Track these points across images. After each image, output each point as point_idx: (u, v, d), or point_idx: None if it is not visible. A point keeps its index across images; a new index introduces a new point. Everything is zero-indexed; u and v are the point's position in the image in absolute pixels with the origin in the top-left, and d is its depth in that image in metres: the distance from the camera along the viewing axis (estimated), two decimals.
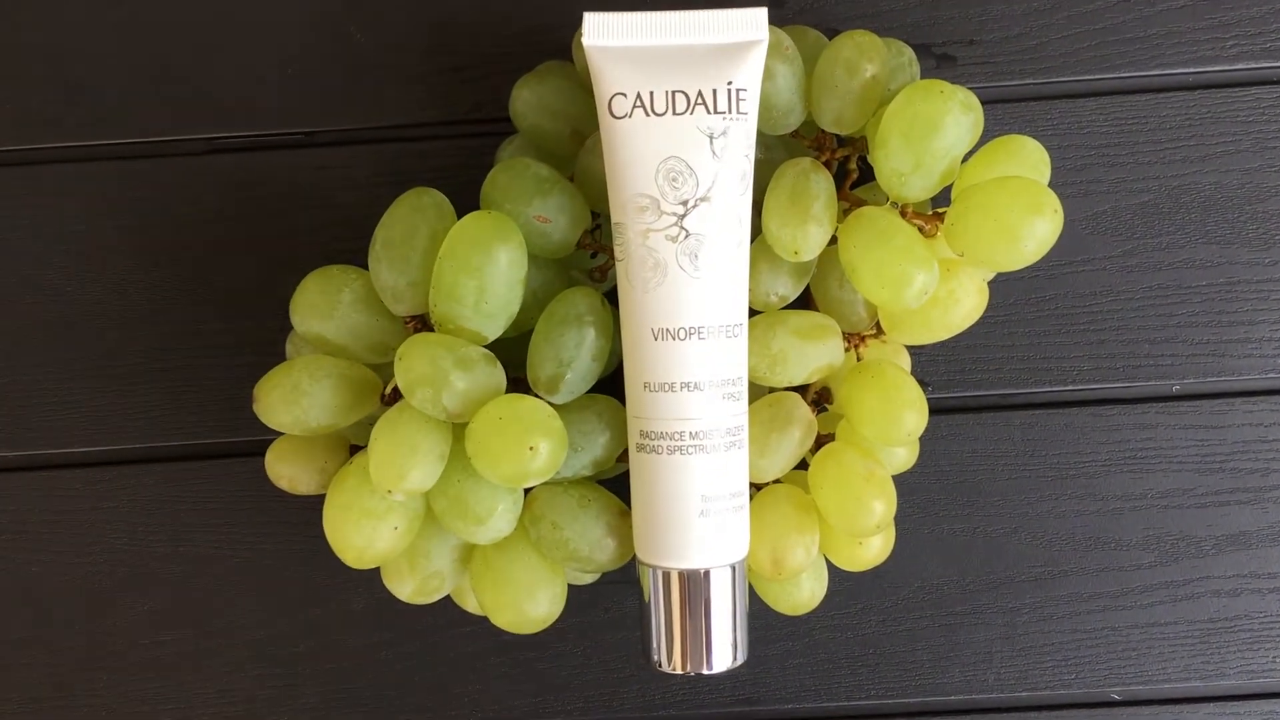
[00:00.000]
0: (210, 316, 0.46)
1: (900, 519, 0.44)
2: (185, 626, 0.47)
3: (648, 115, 0.38)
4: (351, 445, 0.43)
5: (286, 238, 0.46)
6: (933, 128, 0.38)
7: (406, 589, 0.41)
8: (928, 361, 0.46)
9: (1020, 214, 0.37)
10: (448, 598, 0.43)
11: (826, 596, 0.43)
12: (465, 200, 0.40)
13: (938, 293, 0.40)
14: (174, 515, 0.47)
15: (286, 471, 0.42)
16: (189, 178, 0.46)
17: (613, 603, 0.47)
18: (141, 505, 0.47)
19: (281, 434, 0.42)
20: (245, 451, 0.46)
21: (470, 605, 0.43)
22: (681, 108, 0.37)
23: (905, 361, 0.43)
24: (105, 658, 0.47)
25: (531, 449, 0.37)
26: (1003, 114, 0.45)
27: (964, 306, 0.40)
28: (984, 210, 0.38)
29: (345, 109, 0.46)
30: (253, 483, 0.45)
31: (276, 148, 0.46)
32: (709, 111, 0.37)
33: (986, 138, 0.41)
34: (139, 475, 0.47)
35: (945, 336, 0.41)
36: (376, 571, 0.43)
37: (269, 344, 0.44)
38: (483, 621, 0.42)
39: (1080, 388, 0.46)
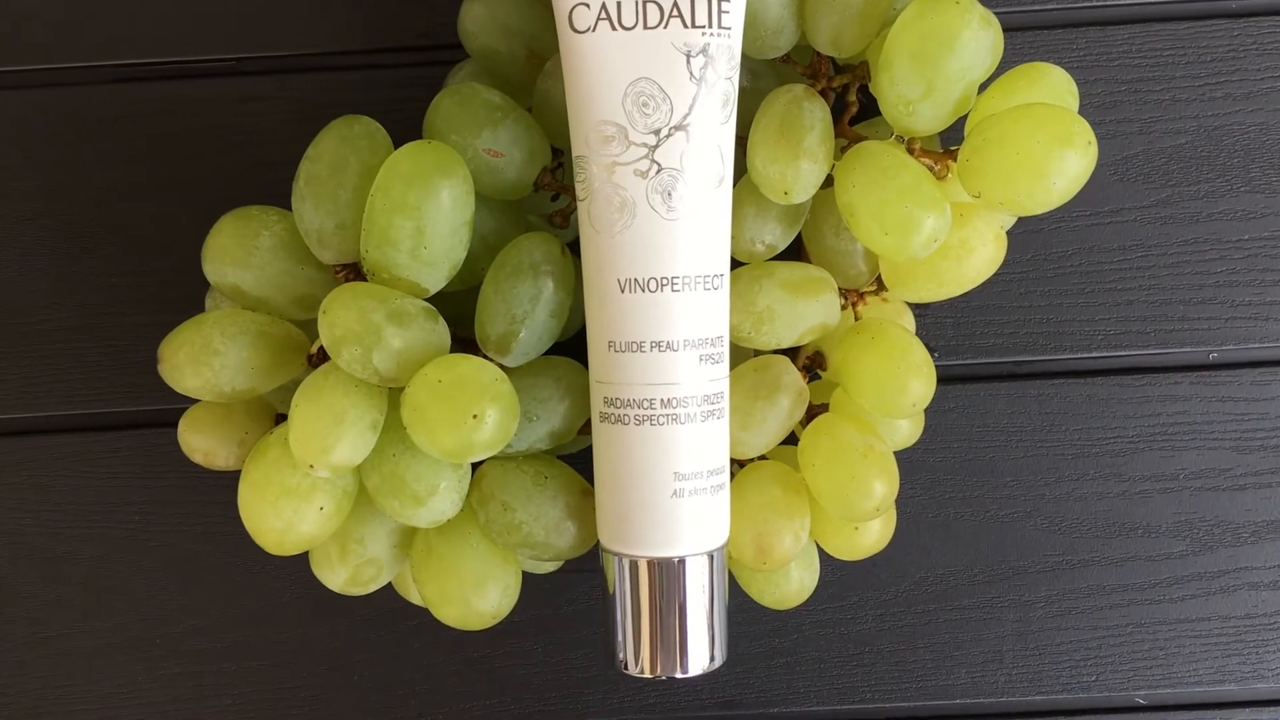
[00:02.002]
0: (122, 269, 0.42)
1: (901, 501, 0.40)
2: (96, 618, 0.43)
3: (614, 29, 0.33)
4: (278, 414, 0.38)
5: (209, 179, 0.41)
6: (947, 45, 0.33)
7: (338, 579, 0.37)
8: (933, 323, 0.42)
9: (1047, 146, 0.33)
10: (390, 586, 0.39)
11: (817, 588, 0.39)
12: (412, 137, 0.36)
13: (949, 241, 0.35)
14: (83, 493, 0.42)
15: (201, 443, 0.37)
16: (96, 110, 0.41)
17: (577, 594, 0.43)
18: (47, 482, 0.42)
19: (198, 400, 0.37)
20: (164, 421, 0.42)
21: (415, 596, 0.39)
22: (654, 20, 0.33)
23: (909, 322, 0.40)
24: (6, 653, 0.43)
25: (475, 417, 0.32)
26: (1021, 43, 0.41)
27: (979, 257, 0.36)
28: (1004, 142, 0.33)
29: (277, 32, 0.41)
30: (173, 456, 0.40)
31: (198, 76, 0.41)
32: (686, 25, 0.33)
33: (1003, 71, 0.37)
34: (44, 448, 0.42)
35: (957, 293, 0.37)
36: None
37: (189, 299, 0.39)
38: (431, 613, 0.38)
39: (1105, 355, 0.42)
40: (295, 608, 0.42)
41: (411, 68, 0.41)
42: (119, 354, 0.42)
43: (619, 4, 0.33)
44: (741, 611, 0.41)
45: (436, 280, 0.35)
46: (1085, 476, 0.42)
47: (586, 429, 0.36)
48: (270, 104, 0.41)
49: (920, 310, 0.41)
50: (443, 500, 0.35)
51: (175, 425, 0.38)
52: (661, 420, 0.34)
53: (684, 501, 0.34)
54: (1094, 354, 0.42)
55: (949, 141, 0.38)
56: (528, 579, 0.38)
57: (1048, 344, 0.42)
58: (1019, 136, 0.33)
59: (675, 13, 0.33)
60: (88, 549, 0.42)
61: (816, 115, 0.35)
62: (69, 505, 0.42)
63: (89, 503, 0.42)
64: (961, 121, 0.36)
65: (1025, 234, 0.41)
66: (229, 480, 0.37)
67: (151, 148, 0.41)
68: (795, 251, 0.38)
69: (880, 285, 0.38)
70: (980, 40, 0.33)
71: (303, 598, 0.42)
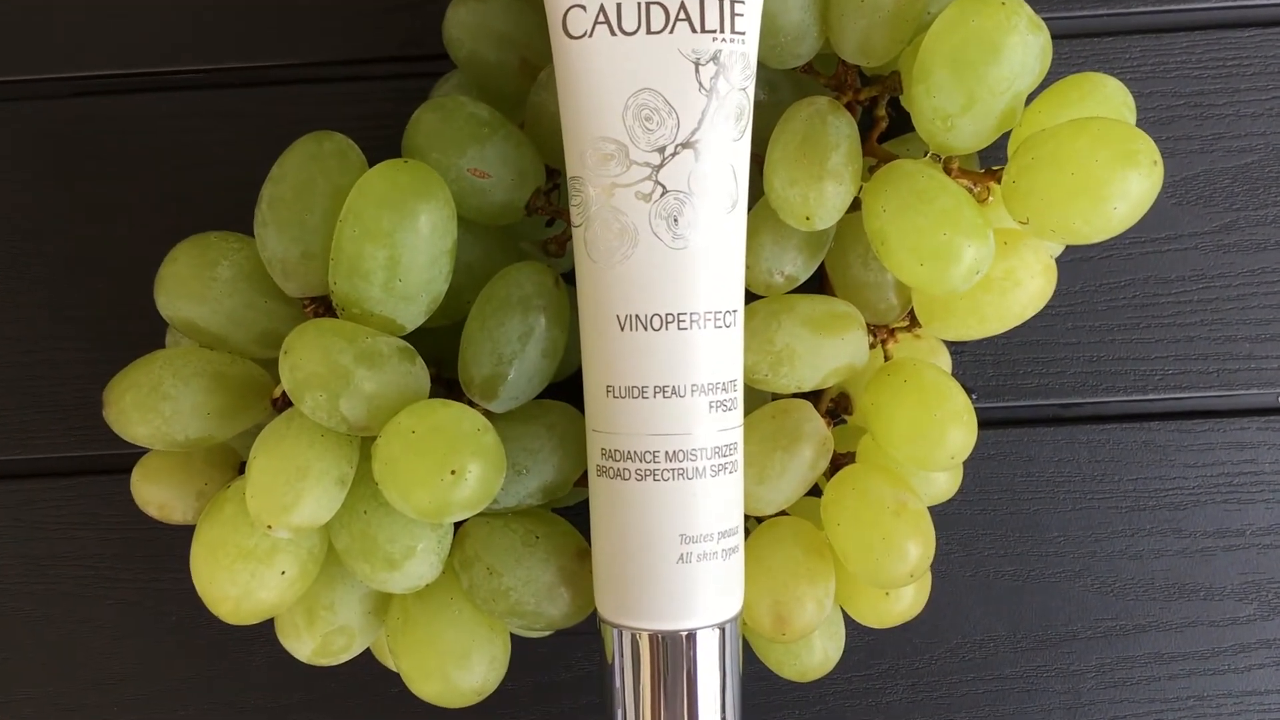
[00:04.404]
0: (77, 301, 0.38)
1: (936, 559, 0.36)
2: (42, 683, 0.39)
3: (614, 34, 0.30)
4: (242, 462, 0.34)
5: (174, 202, 0.38)
6: (991, 51, 0.29)
7: (305, 649, 0.33)
8: (971, 362, 0.38)
9: (1107, 166, 0.29)
10: (367, 650, 0.35)
11: (842, 654, 0.36)
12: (392, 157, 0.33)
13: (992, 272, 0.32)
14: (31, 545, 0.39)
15: (156, 495, 0.34)
16: (52, 126, 0.38)
17: (575, 659, 0.39)
18: None
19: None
20: (118, 467, 0.38)
21: (392, 661, 0.35)
22: (659, 24, 0.29)
23: (944, 361, 0.36)
24: None
25: (454, 473, 0.29)
26: (1070, 53, 0.38)
27: (1026, 290, 0.33)
28: (1057, 161, 0.30)
29: (248, 42, 0.38)
30: (129, 505, 0.37)
31: (163, 90, 0.38)
32: (695, 30, 0.29)
33: (1049, 82, 0.33)
34: None
35: (1000, 330, 0.34)
36: None
37: (150, 335, 0.36)
38: None
39: (1162, 397, 0.38)
40: (265, 673, 0.39)
41: (393, 80, 0.38)
42: (72, 393, 0.38)
43: (619, 6, 0.29)
44: (757, 679, 0.38)
45: (414, 316, 0.31)
46: (1140, 532, 0.38)
47: (584, 480, 0.33)
48: (239, 120, 0.38)
49: (956, 348, 0.37)
50: (420, 564, 0.31)
51: (130, 472, 0.34)
52: (667, 475, 0.30)
53: (692, 568, 0.30)
54: (1150, 396, 0.38)
55: (989, 161, 0.35)
56: (520, 643, 0.35)
57: (1098, 385, 0.38)
58: (1074, 155, 0.29)
59: (683, 16, 0.29)
60: (36, 605, 0.39)
61: (842, 131, 0.31)
62: (16, 558, 0.39)
63: (38, 555, 0.39)
64: (1003, 140, 0.33)
65: (1073, 263, 0.38)
66: (193, 531, 0.34)
67: (111, 166, 0.38)
68: (818, 283, 0.35)
69: (913, 321, 0.35)
70: (1029, 46, 0.30)
71: (273, 661, 0.39)
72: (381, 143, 0.34)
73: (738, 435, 0.31)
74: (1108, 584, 0.38)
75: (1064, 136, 0.30)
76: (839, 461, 0.34)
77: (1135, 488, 0.38)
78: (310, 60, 0.38)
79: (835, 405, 0.35)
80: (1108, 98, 0.32)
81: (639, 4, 0.29)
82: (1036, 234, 0.31)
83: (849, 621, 0.36)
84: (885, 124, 0.34)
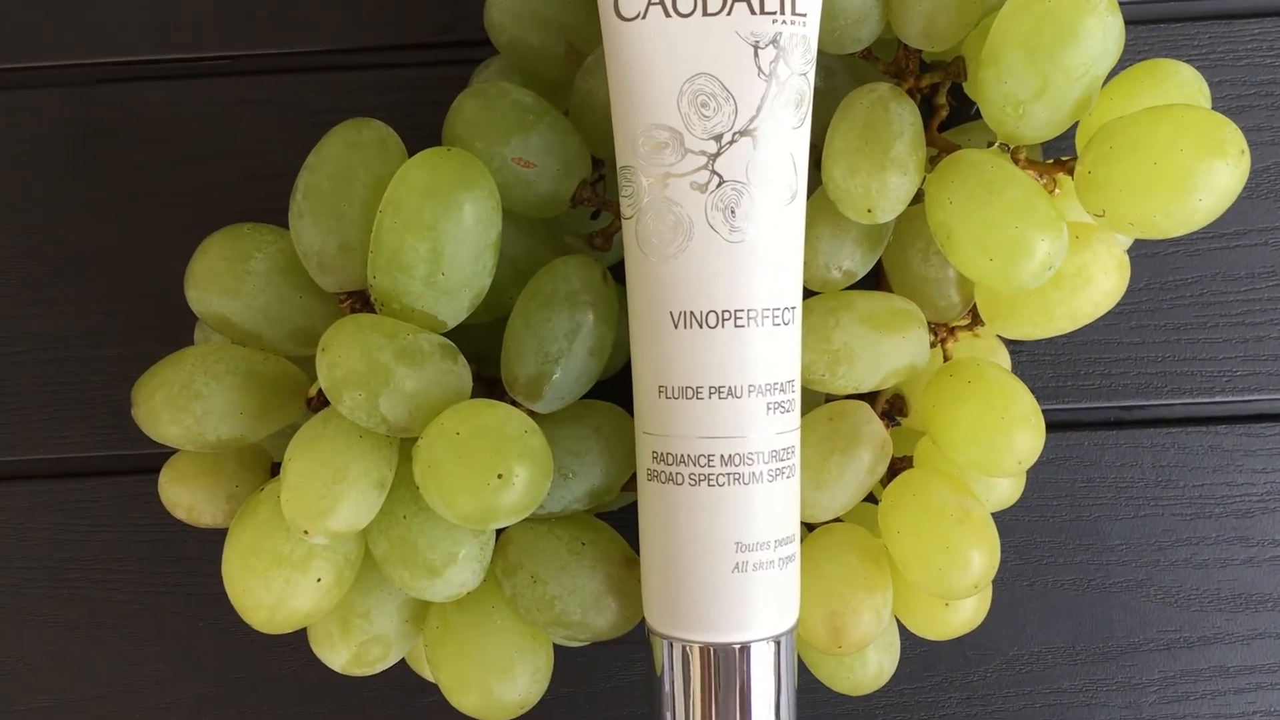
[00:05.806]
0: (101, 294, 0.37)
1: None
2: (65, 690, 0.38)
3: (668, 16, 0.28)
4: (275, 463, 0.33)
5: (202, 193, 0.37)
6: (1068, 33, 0.28)
7: (339, 658, 0.32)
8: (1030, 362, 0.37)
9: (1192, 155, 0.28)
10: (401, 660, 0.34)
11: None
12: (431, 146, 0.31)
13: (1064, 268, 0.30)
14: (55, 547, 0.38)
15: (185, 498, 0.33)
16: (73, 114, 0.37)
17: (616, 669, 0.38)
18: (13, 534, 0.38)
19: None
20: (148, 467, 0.37)
21: (429, 671, 0.33)
22: (716, 6, 0.28)
23: (1004, 360, 0.35)
24: None
25: (500, 477, 0.27)
26: (1137, 39, 0.36)
27: (1098, 288, 0.31)
28: (1137, 150, 0.28)
29: (278, 27, 0.37)
30: (158, 507, 0.35)
31: (189, 76, 0.37)
32: (754, 11, 0.28)
33: (1115, 70, 0.32)
34: (16, 495, 0.38)
35: (1069, 329, 0.32)
36: None
37: (177, 331, 0.35)
38: None
39: (1230, 399, 0.37)
40: (294, 681, 0.38)
41: (431, 66, 0.36)
42: (100, 391, 0.37)
43: None
44: (805, 691, 0.36)
45: (456, 311, 0.30)
46: (1205, 540, 0.37)
47: (631, 485, 0.32)
48: (270, 108, 0.37)
49: (1015, 347, 0.36)
50: (462, 571, 0.30)
51: (158, 473, 0.33)
52: (722, 480, 0.28)
53: (747, 577, 0.29)
54: (1217, 398, 0.37)
55: (1050, 152, 0.33)
56: (563, 651, 0.34)
57: (1163, 387, 0.37)
58: (1156, 143, 0.28)
59: None
60: (61, 609, 0.38)
61: (905, 119, 0.30)
62: (41, 560, 0.38)
63: (63, 557, 0.38)
64: (1066, 133, 0.31)
65: (1138, 259, 0.36)
66: (224, 534, 0.33)
67: (138, 156, 0.37)
68: (875, 279, 0.34)
69: (975, 319, 0.33)
70: (1109, 28, 0.28)
71: (303, 669, 0.37)
72: (417, 132, 0.32)
73: (795, 438, 0.29)
74: (1171, 594, 0.37)
75: (1144, 124, 0.28)
76: (895, 466, 0.32)
77: (1201, 494, 0.37)
78: (342, 47, 0.37)
79: (890, 407, 0.33)
80: (1182, 85, 0.31)
81: None
82: (1112, 227, 0.30)
83: (903, 631, 0.34)
84: (947, 112, 0.32)
